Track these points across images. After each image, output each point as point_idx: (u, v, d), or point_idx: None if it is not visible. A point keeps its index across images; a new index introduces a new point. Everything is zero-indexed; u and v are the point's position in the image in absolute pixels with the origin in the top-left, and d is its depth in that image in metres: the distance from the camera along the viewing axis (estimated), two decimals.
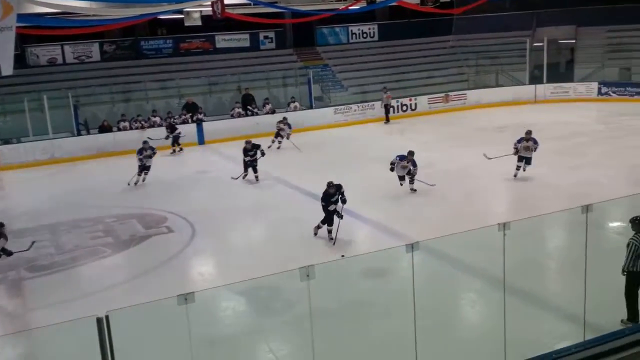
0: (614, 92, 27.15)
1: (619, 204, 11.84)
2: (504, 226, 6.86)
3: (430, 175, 16.96)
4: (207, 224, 14.17)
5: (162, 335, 8.28)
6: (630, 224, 8.44)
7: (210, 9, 19.78)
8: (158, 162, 18.49)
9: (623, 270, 8.36)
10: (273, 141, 21.16)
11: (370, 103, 26.59)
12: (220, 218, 14.68)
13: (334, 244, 12.15)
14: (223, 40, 29.45)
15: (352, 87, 28.39)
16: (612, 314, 8.36)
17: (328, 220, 12.40)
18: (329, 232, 12.41)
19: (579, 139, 20.07)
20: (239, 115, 25.19)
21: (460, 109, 27.54)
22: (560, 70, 31.06)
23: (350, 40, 31.62)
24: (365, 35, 31.78)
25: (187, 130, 23.52)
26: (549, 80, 28.29)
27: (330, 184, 12.34)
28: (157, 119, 24.04)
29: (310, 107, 26.63)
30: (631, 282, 8.30)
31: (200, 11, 21.37)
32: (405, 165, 14.97)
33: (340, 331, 8.69)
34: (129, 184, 17.58)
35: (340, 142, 23.10)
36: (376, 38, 31.94)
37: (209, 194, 16.75)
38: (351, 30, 31.56)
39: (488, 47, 30.77)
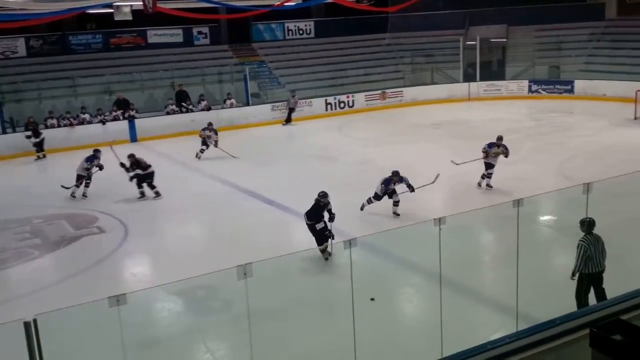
0: (543, 90, 28.00)
1: (549, 198, 12.19)
2: (439, 221, 6.90)
3: (368, 172, 17.07)
4: (140, 223, 13.83)
5: (94, 338, 8.02)
6: (579, 225, 8.44)
7: (141, 3, 19.23)
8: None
9: (573, 273, 8.33)
10: (202, 150, 19.53)
11: (308, 100, 26.55)
12: (154, 217, 14.35)
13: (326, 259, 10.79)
14: (155, 35, 28.78)
15: (289, 83, 28.27)
16: (543, 304, 8.55)
17: (320, 239, 10.72)
18: (322, 251, 10.76)
19: (511, 135, 20.40)
20: (173, 112, 24.70)
21: (397, 106, 27.86)
22: (493, 68, 31.85)
23: (287, 37, 31.47)
24: (301, 31, 31.70)
25: (119, 128, 22.91)
26: (482, 78, 28.97)
27: (323, 194, 10.90)
28: (87, 116, 23.42)
29: (247, 104, 26.38)
30: (582, 284, 8.35)
31: (131, 5, 20.77)
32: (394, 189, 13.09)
33: (279, 329, 8.62)
34: (73, 196, 15.87)
35: (278, 139, 23.02)
36: (312, 35, 31.92)
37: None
38: (287, 27, 31.42)
39: (423, 45, 31.24)
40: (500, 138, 15.05)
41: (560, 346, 7.08)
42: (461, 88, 28.72)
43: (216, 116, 23.89)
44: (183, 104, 25.12)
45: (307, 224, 10.84)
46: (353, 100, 27.36)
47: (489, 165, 14.83)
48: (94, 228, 13.70)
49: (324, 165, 18.17)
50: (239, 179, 16.82)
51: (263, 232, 12.77)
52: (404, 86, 29.29)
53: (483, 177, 14.94)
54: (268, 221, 13.60)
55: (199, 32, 29.59)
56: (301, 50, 30.66)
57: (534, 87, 28.17)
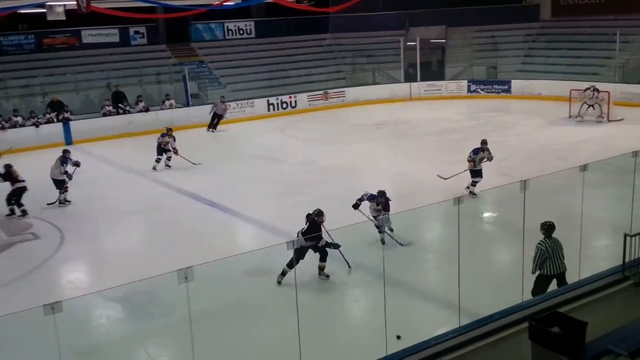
0: (482, 90, 28.58)
1: (488, 195, 12.41)
2: (382, 220, 6.89)
3: (312, 172, 17.08)
4: (76, 228, 13.42)
5: (29, 348, 7.70)
6: (540, 229, 8.65)
7: (75, 2, 18.69)
8: (19, 163, 17.05)
9: (533, 272, 8.54)
10: (158, 160, 17.89)
11: (250, 100, 26.34)
12: (91, 222, 13.93)
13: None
14: (90, 35, 28.01)
15: (230, 84, 27.99)
16: (484, 299, 8.67)
17: (324, 255, 10.02)
18: (321, 269, 10.08)
19: (452, 134, 20.91)
20: (110, 114, 24.10)
21: (340, 106, 27.95)
22: (433, 68, 32.33)
23: (227, 37, 31.12)
24: (241, 31, 31.42)
25: (53, 130, 22.21)
26: (423, 79, 29.37)
27: (318, 212, 10.04)
28: (19, 119, 22.58)
29: (187, 105, 25.97)
30: (538, 283, 8.53)
31: (64, 5, 20.18)
32: (378, 209, 11.26)
33: (222, 333, 8.49)
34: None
35: (220, 140, 22.75)
36: (253, 35, 31.68)
37: (79, 197, 15.79)
38: (227, 27, 31.07)
39: (364, 45, 31.45)
40: (484, 142, 14.35)
41: (501, 339, 7.22)
42: (402, 88, 29.04)
43: (155, 117, 23.46)
44: (120, 105, 24.54)
45: (305, 246, 9.77)
46: (295, 101, 27.30)
47: (475, 174, 13.96)
48: (28, 234, 13.21)
49: (267, 166, 18.05)
50: (180, 181, 16.52)
51: (206, 235, 12.58)
52: (346, 86, 29.40)
53: (474, 184, 13.95)
54: (211, 224, 13.40)
55: (136, 32, 28.96)
56: (242, 51, 30.38)
57: (473, 87, 28.73)
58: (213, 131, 23.74)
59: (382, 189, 11.23)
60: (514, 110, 25.14)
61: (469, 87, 28.77)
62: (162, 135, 18.05)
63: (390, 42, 30.93)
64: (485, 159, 14.10)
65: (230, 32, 31.15)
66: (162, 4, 22.31)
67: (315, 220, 9.95)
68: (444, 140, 20.19)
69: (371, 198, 11.39)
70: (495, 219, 12.99)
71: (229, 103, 25.06)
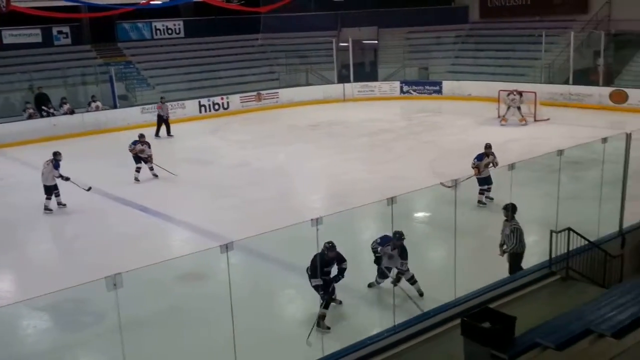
0: (414, 91, 29.01)
1: (421, 195, 12.58)
2: (317, 221, 6.87)
3: (246, 174, 16.92)
4: (0, 237, 12.82)
5: None
6: (503, 211, 9.17)
7: None
8: None
9: (505, 252, 9.10)
10: (138, 170, 16.46)
11: (181, 102, 25.86)
12: (13, 230, 13.37)
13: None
14: (11, 35, 26.87)
15: (159, 85, 27.43)
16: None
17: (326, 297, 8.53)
18: (321, 319, 8.42)
19: (385, 135, 21.13)
20: (30, 117, 23.19)
21: (273, 107, 27.79)
22: (366, 69, 32.64)
23: (155, 37, 30.45)
24: (170, 31, 30.82)
25: None
26: (356, 80, 29.55)
27: (330, 246, 8.58)
28: None
29: (114, 107, 25.23)
30: (517, 260, 9.00)
31: None
32: (392, 255, 9.09)
33: (155, 340, 8.29)
34: None
35: (150, 143, 22.14)
36: (182, 34, 31.09)
37: (1, 205, 15.15)
38: (155, 26, 30.39)
39: (297, 46, 31.40)
40: (488, 146, 13.40)
41: (435, 336, 7.33)
42: (336, 89, 29.15)
43: (81, 120, 22.75)
44: (44, 107, 23.63)
45: (313, 286, 8.52)
46: (228, 102, 26.99)
47: (482, 181, 13.17)
48: None
49: (199, 169, 17.78)
50: (109, 186, 16.03)
51: (137, 240, 12.29)
52: (280, 87, 29.28)
53: (482, 192, 13.26)
54: (141, 229, 13.09)
55: (60, 32, 27.97)
56: (171, 51, 29.80)
57: (405, 88, 29.13)
58: (168, 136, 22.46)
59: (399, 230, 8.78)
60: (445, 111, 25.64)
61: (401, 88, 29.14)
62: (134, 143, 16.60)
63: (322, 42, 31.01)
64: (491, 165, 13.12)
65: (158, 31, 30.51)
66: (86, 3, 21.68)
67: (323, 254, 8.45)
68: (378, 140, 20.39)
69: (384, 241, 9.09)
70: (429, 218, 13.19)
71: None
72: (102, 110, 24.40)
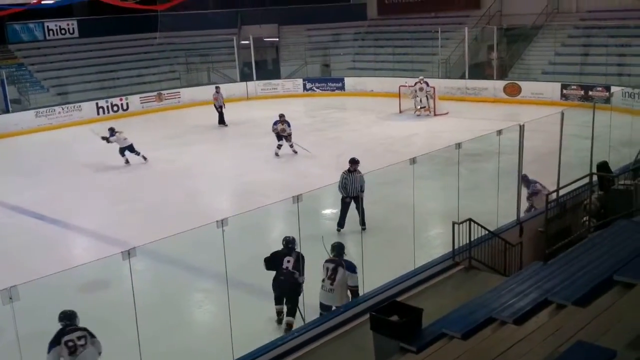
0: (317, 88, 29.19)
1: (328, 192, 12.64)
2: (222, 223, 6.72)
3: (148, 177, 16.45)
4: None
5: None
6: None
7: None
8: None
9: None
10: (279, 147, 17.82)
11: (77, 104, 24.83)
12: None
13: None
14: None
15: (54, 87, 26.23)
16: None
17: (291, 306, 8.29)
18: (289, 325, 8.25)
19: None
20: None
21: (175, 107, 27.19)
22: (268, 67, 32.53)
23: (47, 37, 29.14)
24: (64, 31, 29.53)
25: None
26: (259, 78, 29.40)
27: (289, 240, 8.48)
28: None
29: (7, 111, 24.04)
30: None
31: None
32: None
33: None
34: None
35: (45, 147, 21.12)
36: (76, 34, 29.87)
37: None
38: (48, 27, 29.08)
39: (197, 44, 30.88)
40: (523, 177, 10.63)
41: (345, 332, 7.35)
42: (239, 87, 28.86)
43: None
44: None
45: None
46: (127, 103, 26.15)
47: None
48: None
49: (99, 173, 17.12)
50: (4, 194, 15.18)
51: (33, 250, 11.64)
52: (181, 87, 28.68)
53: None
54: (39, 237, 12.43)
55: None
56: (65, 52, 28.63)
57: (309, 85, 29.26)
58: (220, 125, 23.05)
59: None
60: (348, 107, 25.97)
61: (304, 85, 29.26)
62: (275, 123, 17.92)
63: (223, 40, 30.62)
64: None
65: (51, 32, 29.18)
66: None
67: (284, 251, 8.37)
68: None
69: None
70: (336, 214, 13.26)
71: (55, 107, 23.50)
72: None
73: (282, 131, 17.88)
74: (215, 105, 23.10)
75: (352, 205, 11.67)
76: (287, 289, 8.25)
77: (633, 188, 9.17)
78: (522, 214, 10.07)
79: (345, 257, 8.12)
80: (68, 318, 7.11)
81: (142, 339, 6.49)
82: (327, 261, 8.08)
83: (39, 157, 19.58)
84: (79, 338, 6.93)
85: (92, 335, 7.08)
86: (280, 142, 17.87)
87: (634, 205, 8.78)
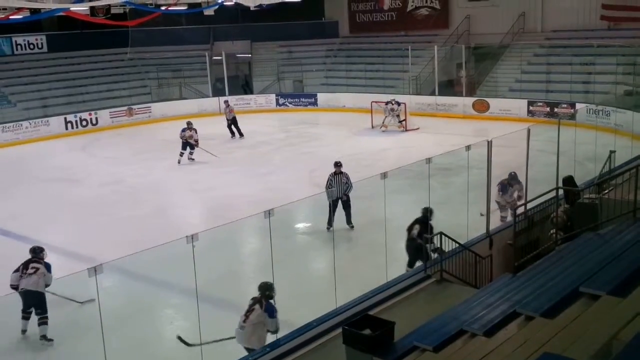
0: (290, 103, 29.24)
1: (300, 206, 12.65)
2: (192, 238, 6.66)
3: (118, 192, 16.26)
4: None
5: None
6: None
7: None
8: None
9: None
10: (181, 154, 18.72)
11: (45, 119, 24.49)
12: None
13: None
14: None
15: (21, 102, 25.84)
16: (300, 309, 8.75)
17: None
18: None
19: (264, 147, 21.13)
20: None
21: (146, 122, 26.95)
22: (241, 82, 32.50)
23: (15, 52, 28.75)
24: (32, 46, 29.17)
25: None
26: (231, 93, 29.28)
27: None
28: None
29: None
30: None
31: None
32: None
33: None
34: None
35: (10, 163, 20.70)
36: (45, 49, 29.51)
37: None
38: (15, 41, 28.68)
39: (168, 60, 30.71)
40: (513, 175, 11.75)
41: (318, 347, 7.32)
42: (211, 103, 28.72)
43: None
44: None
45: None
46: (97, 118, 25.85)
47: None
48: None
49: (67, 189, 16.86)
50: None
51: None
52: (152, 102, 28.47)
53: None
54: (3, 255, 12.12)
55: None
56: (33, 66, 28.23)
57: (282, 101, 29.30)
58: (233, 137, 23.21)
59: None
60: (321, 123, 26.06)
61: (277, 100, 29.29)
62: (183, 130, 19.12)
63: (195, 56, 30.55)
64: (520, 198, 11.45)
65: (19, 46, 28.79)
66: None
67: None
68: (256, 153, 20.37)
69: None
70: (309, 228, 13.27)
71: (22, 122, 23.15)
72: None
73: (189, 137, 18.99)
74: (227, 119, 23.25)
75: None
76: None
77: (598, 202, 9.34)
78: (499, 223, 10.18)
79: (272, 300, 7.61)
80: (33, 251, 9.22)
81: (111, 356, 6.39)
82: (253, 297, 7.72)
83: (6, 173, 19.21)
84: (32, 268, 8.87)
85: (49, 271, 8.99)
86: (184, 151, 19.04)
87: (599, 219, 8.94)
